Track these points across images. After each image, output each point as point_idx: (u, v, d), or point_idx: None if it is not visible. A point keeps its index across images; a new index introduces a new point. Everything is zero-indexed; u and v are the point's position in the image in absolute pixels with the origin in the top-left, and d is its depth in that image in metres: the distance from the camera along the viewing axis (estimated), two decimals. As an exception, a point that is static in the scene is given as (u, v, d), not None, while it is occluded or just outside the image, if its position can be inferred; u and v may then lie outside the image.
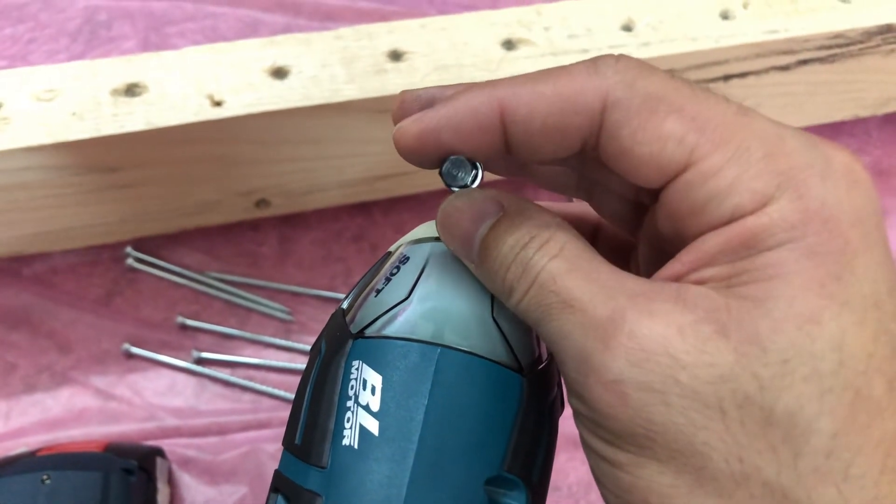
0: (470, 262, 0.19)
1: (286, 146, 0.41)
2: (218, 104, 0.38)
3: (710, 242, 0.17)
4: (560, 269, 0.17)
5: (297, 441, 0.19)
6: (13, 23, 0.54)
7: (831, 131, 0.56)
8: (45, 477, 0.35)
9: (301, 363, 0.44)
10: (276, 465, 0.41)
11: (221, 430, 0.42)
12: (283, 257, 0.48)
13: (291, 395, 0.43)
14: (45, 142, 0.36)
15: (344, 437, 0.18)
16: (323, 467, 0.18)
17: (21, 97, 0.37)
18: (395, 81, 0.40)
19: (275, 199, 0.45)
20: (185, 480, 0.41)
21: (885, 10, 0.46)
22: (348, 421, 0.18)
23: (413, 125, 0.19)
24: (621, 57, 0.18)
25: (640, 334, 0.16)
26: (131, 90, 0.38)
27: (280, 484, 0.19)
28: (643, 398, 0.15)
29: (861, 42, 0.46)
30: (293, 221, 0.48)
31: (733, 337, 0.15)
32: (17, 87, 0.38)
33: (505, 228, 0.18)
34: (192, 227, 0.45)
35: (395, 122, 0.20)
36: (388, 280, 0.20)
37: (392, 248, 0.23)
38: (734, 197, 0.16)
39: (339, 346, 0.19)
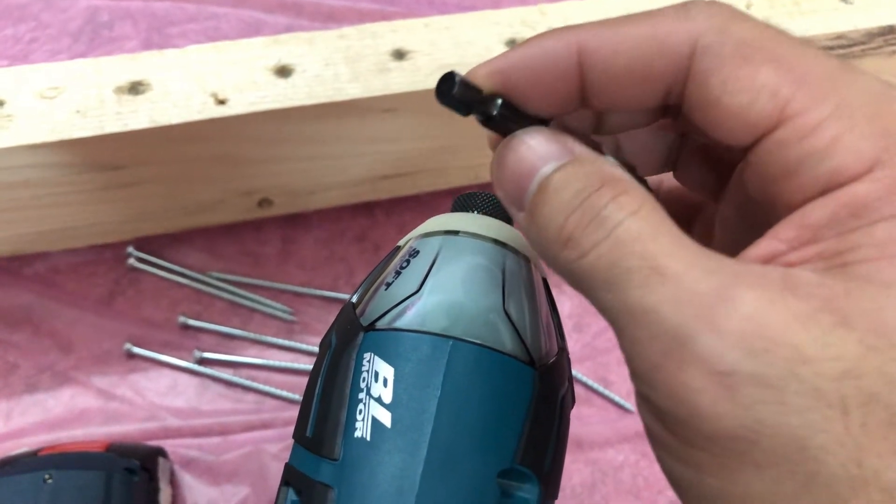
0: (518, 210, 0.17)
1: (289, 145, 0.41)
2: (222, 102, 0.38)
3: (815, 215, 0.15)
4: (644, 229, 0.15)
5: (308, 434, 0.19)
6: (14, 22, 0.54)
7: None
8: (46, 476, 0.35)
9: (304, 363, 0.44)
10: (279, 466, 0.41)
11: (223, 431, 0.42)
12: (286, 257, 0.47)
13: (294, 396, 0.43)
14: (49, 139, 0.36)
15: (356, 429, 0.18)
16: (335, 459, 0.18)
17: (24, 95, 0.37)
18: (398, 80, 0.40)
19: (277, 199, 0.45)
20: (187, 481, 0.40)
21: (887, 12, 0.46)
22: (360, 413, 0.18)
23: (482, 67, 0.17)
24: (714, 1, 0.16)
25: (758, 318, 0.13)
26: (135, 88, 0.38)
27: (291, 477, 0.19)
28: (755, 395, 0.13)
29: (863, 43, 0.46)
30: (295, 221, 0.48)
31: (858, 327, 0.13)
32: (20, 84, 0.38)
33: (573, 171, 0.16)
34: (195, 227, 0.45)
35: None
36: (398, 273, 0.20)
37: (401, 243, 0.22)
38: (834, 158, 0.14)
39: (350, 339, 0.19)
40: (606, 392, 0.46)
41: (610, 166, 0.16)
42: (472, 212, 0.23)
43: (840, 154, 0.14)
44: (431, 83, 0.40)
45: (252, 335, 0.44)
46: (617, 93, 0.17)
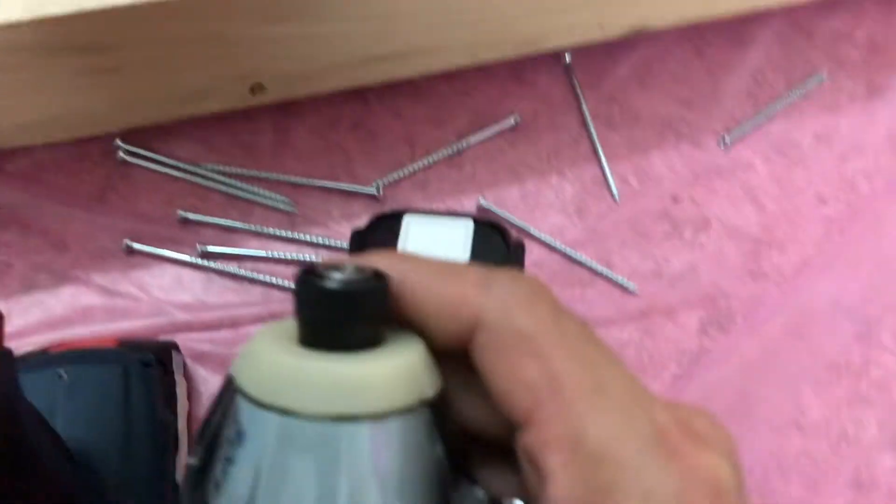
0: None
1: (280, 23, 0.39)
2: (212, -25, 0.35)
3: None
4: None
5: None
6: None
7: (826, 9, 0.55)
8: (61, 373, 0.34)
9: (308, 254, 0.43)
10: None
11: (234, 324, 0.41)
12: (281, 148, 0.46)
13: (301, 286, 0.42)
14: (22, 17, 0.33)
15: None
16: None
17: (-8, -30, 0.34)
18: (399, -50, 0.37)
19: (270, 84, 0.43)
20: (201, 374, 0.40)
21: None
22: None
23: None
24: (518, 278, 0.18)
25: None
26: (115, -39, 0.35)
27: None
28: None
29: None
30: (288, 111, 0.46)
31: None
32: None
33: None
34: (185, 117, 0.43)
35: None
36: (225, 469, 0.16)
37: (232, 373, 0.17)
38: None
39: None
40: (609, 273, 0.46)
41: None
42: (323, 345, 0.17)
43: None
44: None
45: (254, 227, 0.43)
46: (425, 324, 0.18)
